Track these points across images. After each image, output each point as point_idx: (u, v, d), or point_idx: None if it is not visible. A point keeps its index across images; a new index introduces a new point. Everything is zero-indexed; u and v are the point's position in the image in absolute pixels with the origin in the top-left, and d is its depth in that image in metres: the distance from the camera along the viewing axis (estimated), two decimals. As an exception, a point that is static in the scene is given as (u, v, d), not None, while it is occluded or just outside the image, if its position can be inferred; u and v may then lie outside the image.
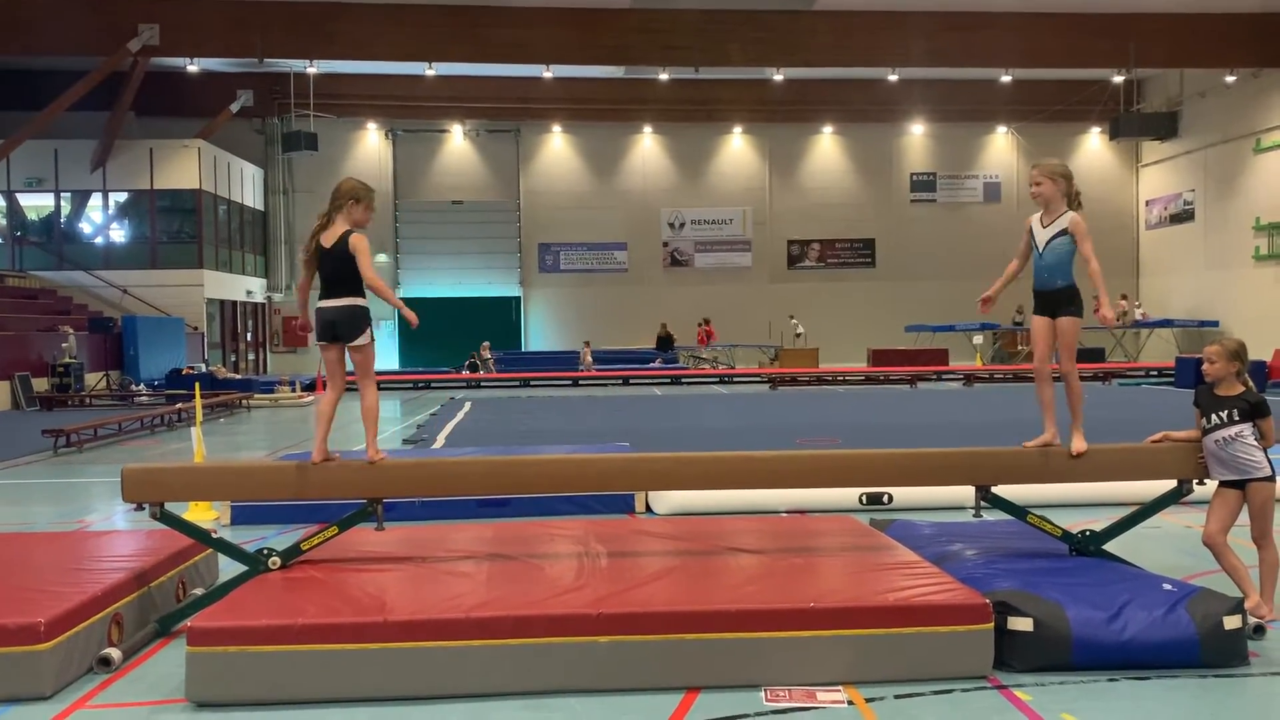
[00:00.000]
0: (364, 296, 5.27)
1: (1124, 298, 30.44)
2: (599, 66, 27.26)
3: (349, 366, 5.38)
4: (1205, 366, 5.15)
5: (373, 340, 5.33)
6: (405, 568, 5.16)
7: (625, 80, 29.56)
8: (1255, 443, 5.02)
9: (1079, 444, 5.25)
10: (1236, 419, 5.02)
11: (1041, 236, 5.33)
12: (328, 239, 5.25)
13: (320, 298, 5.31)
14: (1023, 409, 16.72)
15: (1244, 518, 5.09)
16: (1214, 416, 5.06)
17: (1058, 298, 5.26)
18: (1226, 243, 28.59)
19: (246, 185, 30.59)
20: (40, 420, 16.69)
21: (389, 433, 15.10)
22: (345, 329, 5.25)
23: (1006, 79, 28.74)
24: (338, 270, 5.22)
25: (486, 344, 29.08)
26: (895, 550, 5.38)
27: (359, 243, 5.21)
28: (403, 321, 32.10)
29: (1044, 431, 5.33)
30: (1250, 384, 5.15)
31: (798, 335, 29.88)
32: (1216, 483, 5.14)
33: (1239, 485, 5.05)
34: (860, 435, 12.37)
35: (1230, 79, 27.51)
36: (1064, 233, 5.25)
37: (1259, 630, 4.73)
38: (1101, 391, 20.86)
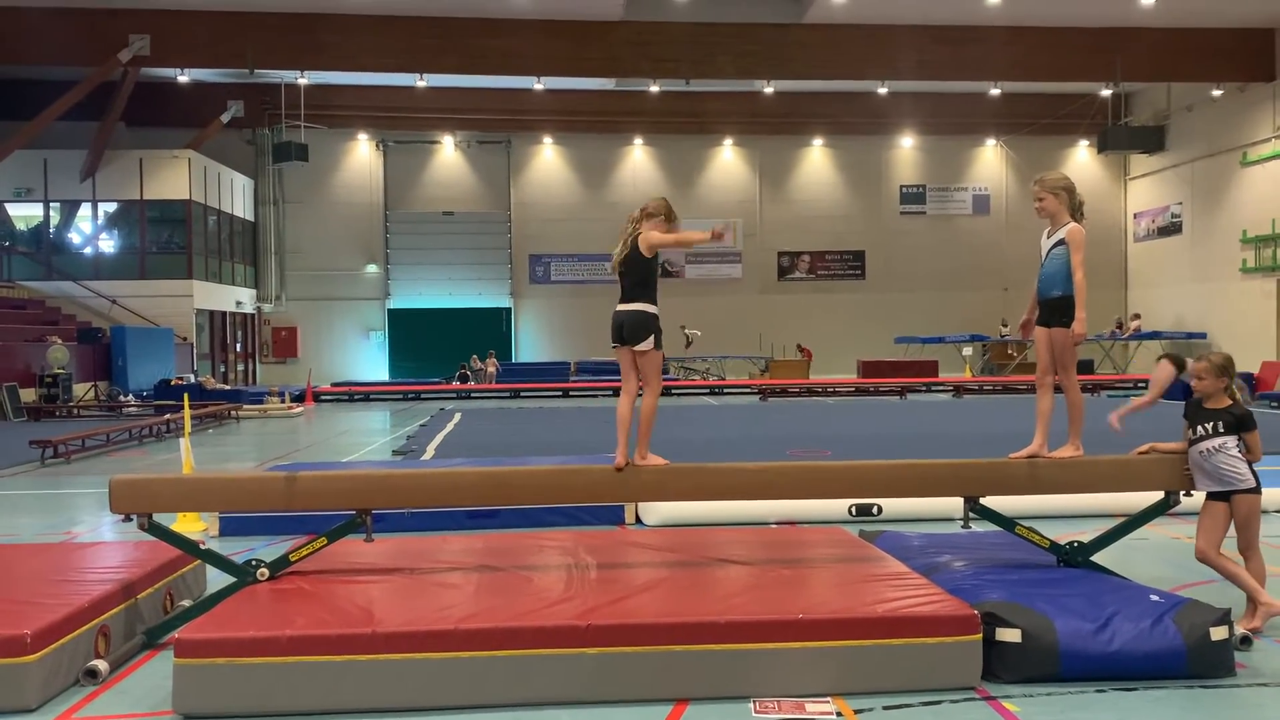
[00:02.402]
0: (655, 304, 5.40)
1: (1136, 317, 30.53)
2: (590, 78, 27.32)
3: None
4: (1194, 384, 5.18)
5: (659, 348, 5.39)
6: (394, 579, 5.15)
7: (616, 92, 29.63)
8: (1239, 455, 5.06)
9: (1065, 451, 5.26)
10: (1220, 431, 5.06)
11: (1044, 247, 5.41)
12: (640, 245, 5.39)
13: (619, 301, 5.46)
14: (1012, 420, 16.79)
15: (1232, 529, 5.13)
16: (1199, 428, 5.11)
17: (1053, 307, 5.32)
18: (1214, 255, 28.75)
19: (237, 196, 30.54)
20: (28, 431, 16.60)
21: (378, 444, 15.07)
22: (631, 333, 5.35)
23: (995, 92, 28.90)
24: (634, 275, 5.39)
25: (492, 353, 29.03)
26: (884, 561, 5.39)
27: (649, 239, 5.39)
28: (393, 332, 32.14)
29: (1034, 441, 5.35)
30: (1238, 396, 5.18)
31: (688, 345, 29.63)
32: (1204, 495, 5.17)
33: (1225, 497, 5.08)
34: (850, 446, 12.39)
35: (1217, 93, 27.72)
36: (1062, 243, 5.29)
37: (1245, 641, 4.75)
38: (1090, 403, 20.91)
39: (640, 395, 5.49)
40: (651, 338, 5.35)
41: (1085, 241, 5.33)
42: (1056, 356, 5.33)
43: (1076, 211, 5.39)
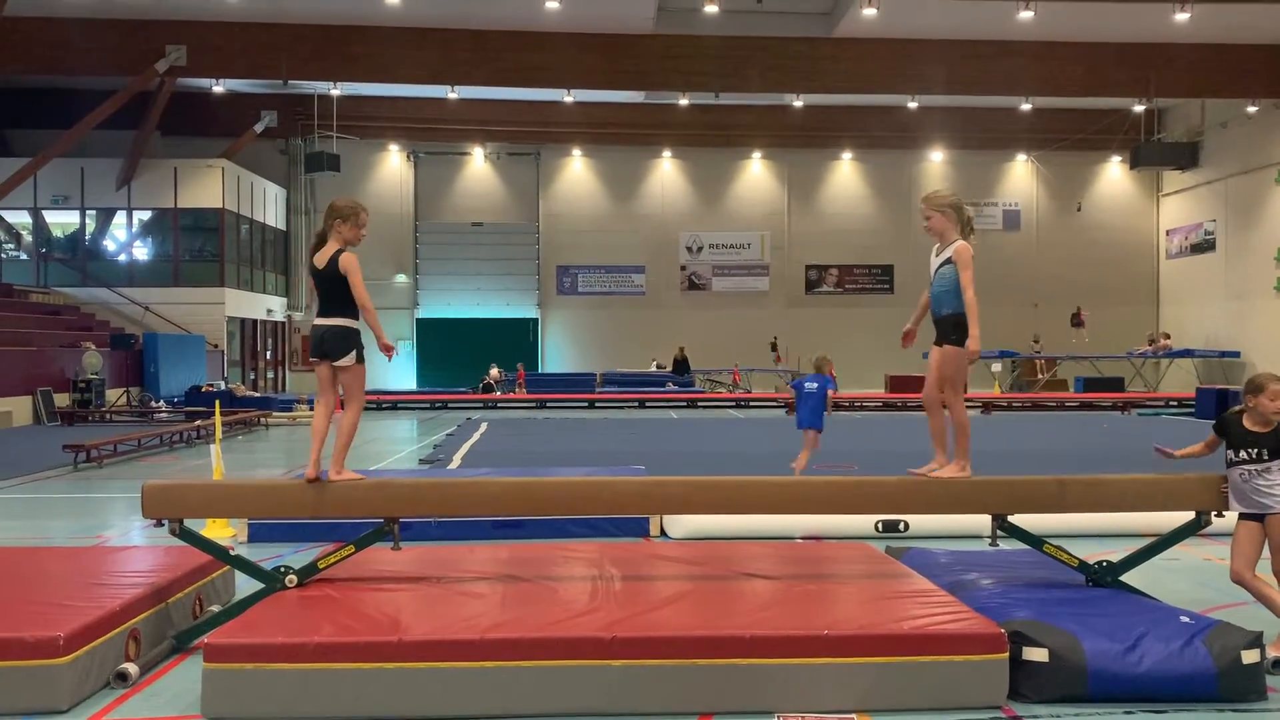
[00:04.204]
0: (356, 318, 5.27)
1: (1166, 336, 30.23)
2: (620, 91, 27.43)
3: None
4: (1264, 401, 4.94)
5: (361, 363, 5.25)
6: (420, 588, 5.18)
7: (645, 105, 29.73)
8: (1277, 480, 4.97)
9: (951, 470, 5.22)
10: (1265, 458, 4.96)
11: (933, 265, 5.37)
12: (320, 259, 5.29)
13: (316, 315, 5.36)
14: (1042, 438, 16.66)
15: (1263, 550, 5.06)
16: (1242, 452, 5.00)
17: (944, 326, 5.28)
18: (1247, 273, 28.43)
19: (269, 205, 30.86)
20: (61, 435, 16.81)
21: (405, 452, 15.15)
22: (332, 347, 5.26)
23: (1026, 107, 28.76)
24: (330, 290, 5.26)
25: (521, 365, 29.19)
26: (910, 578, 5.37)
27: (348, 262, 5.21)
28: (421, 341, 32.33)
29: (935, 459, 5.31)
30: None
31: (778, 359, 29.86)
32: (1237, 516, 5.10)
33: (1259, 518, 5.01)
34: (877, 462, 12.30)
35: (1252, 109, 27.45)
36: (950, 261, 5.26)
37: (1278, 665, 4.68)
38: (1121, 421, 20.74)
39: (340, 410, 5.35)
40: (354, 352, 5.23)
41: (973, 259, 5.24)
42: (947, 375, 5.29)
43: (966, 229, 5.33)
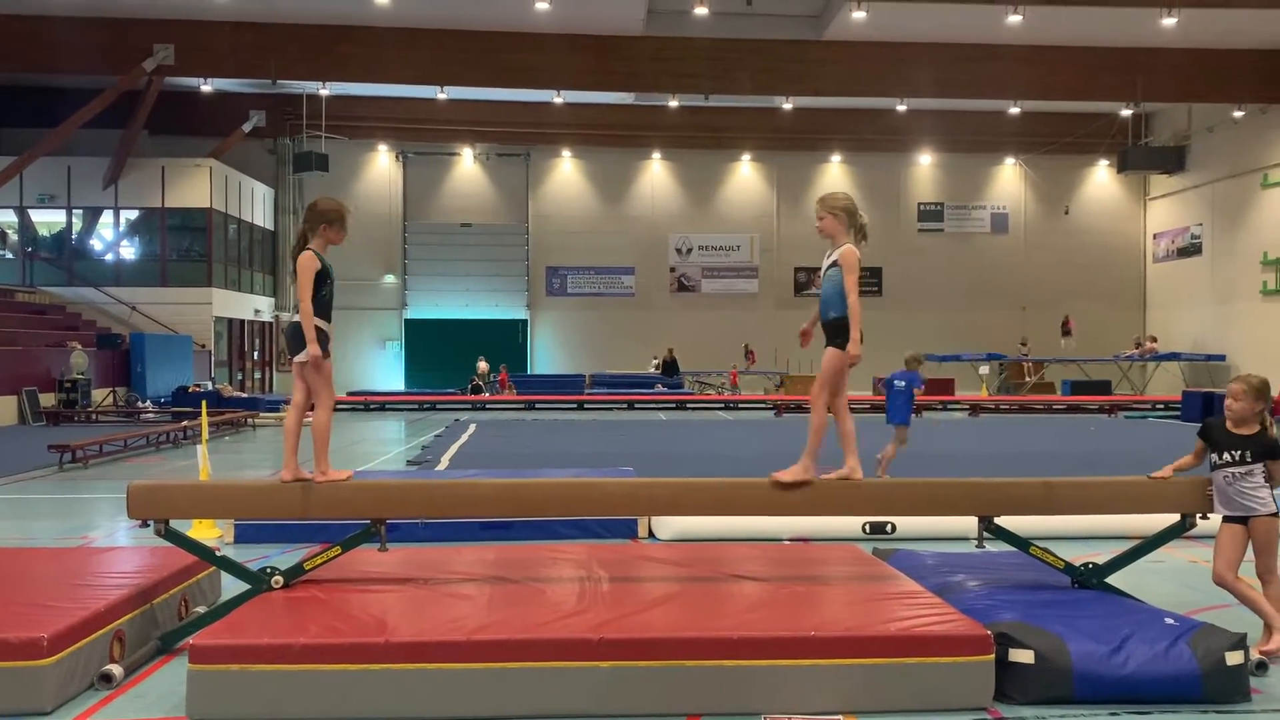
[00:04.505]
0: (320, 315, 5.22)
1: (1153, 340, 30.36)
2: (610, 92, 27.44)
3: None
4: (1229, 403, 5.09)
5: (320, 358, 5.15)
6: (407, 589, 5.16)
7: (635, 106, 29.75)
8: (1264, 481, 5.01)
9: (788, 473, 5.15)
10: (1249, 460, 5.00)
11: (823, 268, 5.38)
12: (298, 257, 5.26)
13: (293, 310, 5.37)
14: (1029, 440, 16.71)
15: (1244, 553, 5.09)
16: (1226, 454, 5.04)
17: (830, 329, 5.30)
18: (1234, 277, 28.59)
19: (257, 205, 30.77)
20: (46, 435, 16.73)
21: (393, 453, 15.12)
22: (290, 344, 5.28)
23: (1015, 111, 28.87)
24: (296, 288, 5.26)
25: (505, 366, 29.16)
26: (897, 580, 5.38)
27: (302, 261, 5.19)
28: (409, 342, 32.28)
29: (844, 464, 5.29)
30: (1268, 422, 5.08)
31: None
32: (1220, 518, 5.13)
33: (1243, 520, 5.04)
34: (864, 464, 12.32)
35: (1238, 114, 27.62)
36: (836, 264, 5.27)
37: (1261, 666, 4.71)
38: (1108, 424, 20.83)
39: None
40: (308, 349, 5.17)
41: (858, 263, 5.24)
42: (828, 379, 5.31)
43: (858, 233, 5.33)
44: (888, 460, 9.87)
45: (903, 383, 10.28)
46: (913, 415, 10.34)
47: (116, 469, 13.19)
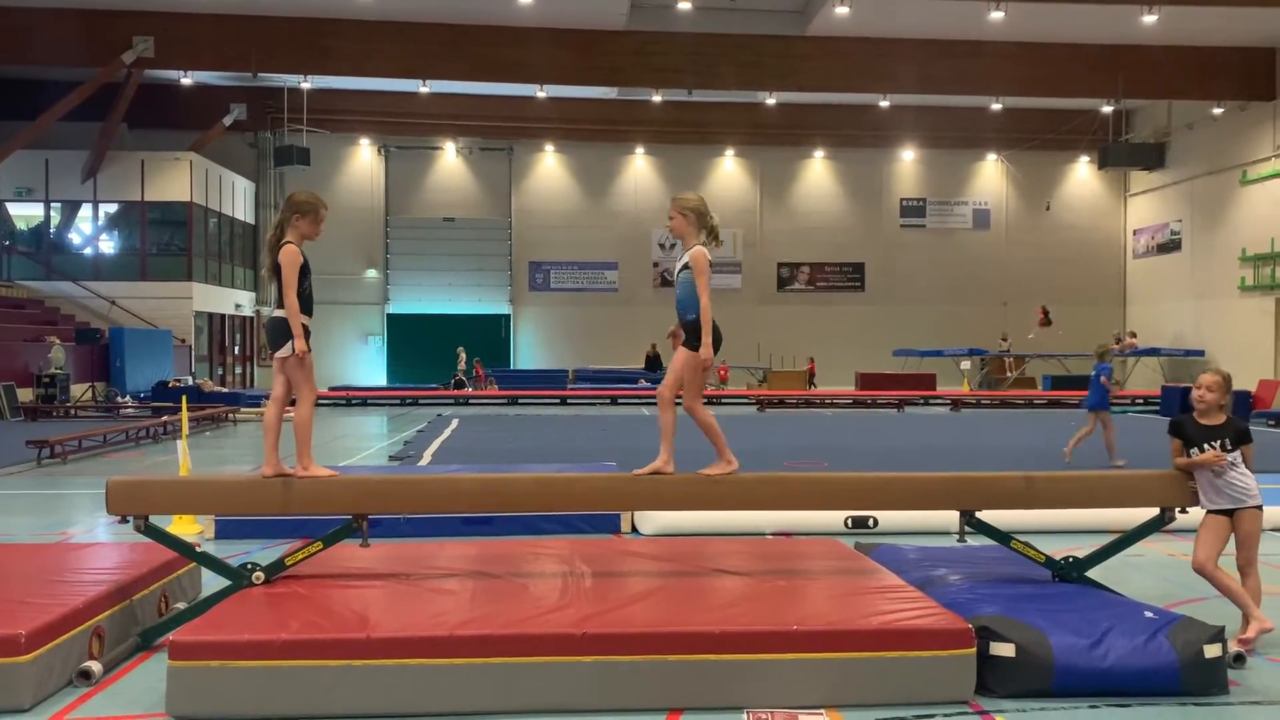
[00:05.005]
0: (303, 309, 5.17)
1: (1133, 335, 30.53)
2: (593, 87, 27.39)
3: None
4: (1203, 394, 5.14)
5: (301, 353, 5.10)
6: (389, 584, 5.15)
7: (618, 101, 29.69)
8: (1247, 470, 5.07)
9: (716, 468, 5.24)
10: (1229, 447, 5.05)
11: (676, 269, 5.38)
12: (276, 251, 5.22)
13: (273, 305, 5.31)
14: (1010, 435, 16.80)
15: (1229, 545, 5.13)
16: (1207, 446, 5.08)
17: (685, 330, 5.29)
18: (1213, 273, 28.80)
19: (238, 199, 30.58)
20: (24, 431, 16.59)
21: (375, 449, 15.07)
22: (270, 338, 5.23)
23: (997, 107, 28.98)
24: (277, 282, 5.20)
25: (479, 360, 29.05)
26: (879, 574, 5.40)
27: (285, 255, 5.14)
28: (391, 337, 32.17)
29: (659, 458, 5.31)
30: (1229, 411, 5.20)
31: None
32: (1202, 511, 5.17)
33: (1227, 512, 5.08)
34: (847, 458, 12.40)
35: (1218, 111, 27.81)
36: (687, 266, 5.28)
37: (1239, 659, 4.75)
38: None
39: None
40: (290, 344, 5.12)
41: (709, 265, 5.22)
42: (684, 380, 5.32)
43: (710, 234, 5.31)
44: (1079, 439, 11.76)
45: (1094, 373, 11.94)
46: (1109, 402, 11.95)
47: (96, 464, 13.10)
